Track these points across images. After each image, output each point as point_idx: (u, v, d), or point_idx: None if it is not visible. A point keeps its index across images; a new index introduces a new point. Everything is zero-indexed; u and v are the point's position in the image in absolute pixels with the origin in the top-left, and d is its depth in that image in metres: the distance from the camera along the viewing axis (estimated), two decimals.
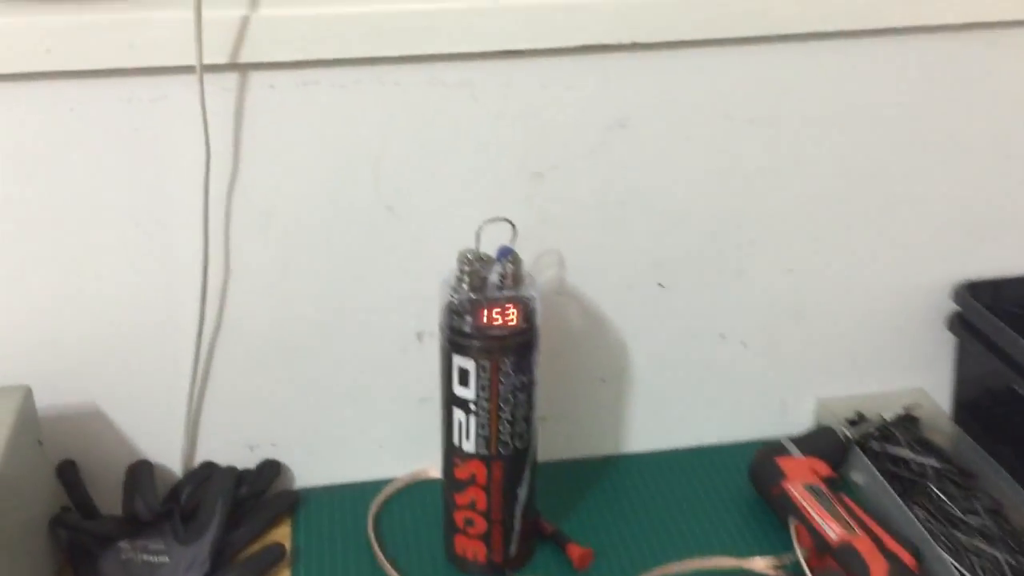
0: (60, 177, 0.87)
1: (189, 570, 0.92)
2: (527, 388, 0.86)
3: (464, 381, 0.85)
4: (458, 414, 0.87)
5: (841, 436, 1.02)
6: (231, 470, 1.00)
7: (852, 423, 1.05)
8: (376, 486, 1.03)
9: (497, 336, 0.83)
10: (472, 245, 0.85)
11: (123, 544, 0.94)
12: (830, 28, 0.92)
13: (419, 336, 0.99)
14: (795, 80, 0.95)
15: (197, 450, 1.01)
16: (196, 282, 0.92)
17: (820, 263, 1.04)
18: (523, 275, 0.86)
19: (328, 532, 0.99)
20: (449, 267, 0.86)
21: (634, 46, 0.90)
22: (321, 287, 0.96)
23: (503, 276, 0.85)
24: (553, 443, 1.06)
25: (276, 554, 0.94)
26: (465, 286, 0.84)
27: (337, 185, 0.92)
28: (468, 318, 0.83)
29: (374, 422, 1.03)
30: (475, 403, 0.85)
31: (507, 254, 0.86)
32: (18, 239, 0.88)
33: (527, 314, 0.84)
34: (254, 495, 1.00)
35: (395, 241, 0.95)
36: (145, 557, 0.93)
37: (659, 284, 1.02)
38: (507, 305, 0.83)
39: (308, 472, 1.05)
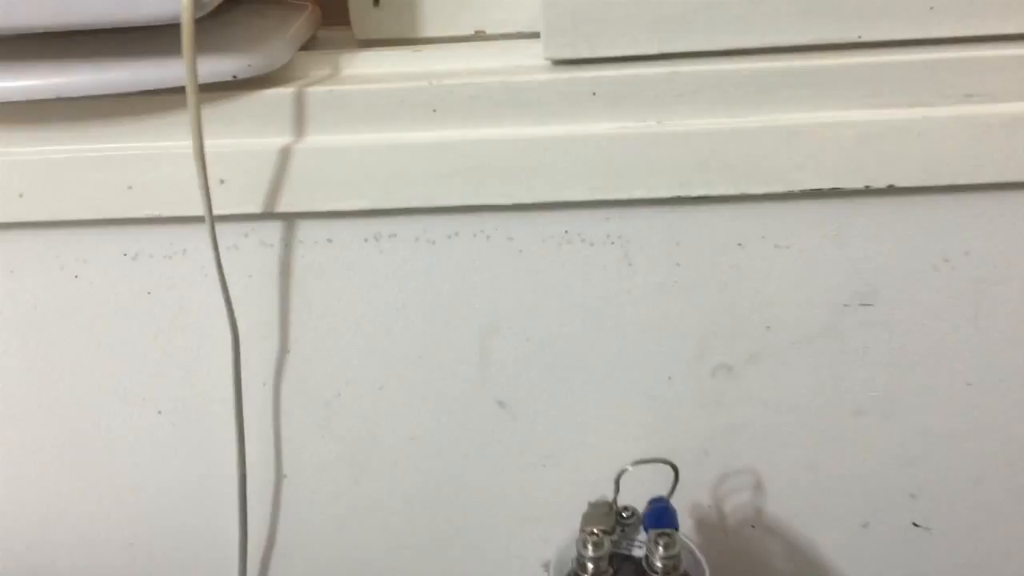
0: (60, 351, 0.64)
1: None
2: None
3: None
4: None
5: None
6: None
7: None
8: None
9: None
10: (609, 488, 0.55)
11: None
12: None
13: (546, 567, 0.70)
14: None
15: None
16: (233, 487, 0.67)
17: None
18: (685, 557, 0.55)
19: None
20: (572, 514, 0.56)
21: (889, 190, 0.55)
22: (404, 498, 0.68)
23: (653, 565, 0.54)
24: None
25: None
26: None
27: (427, 370, 0.63)
28: None
29: None
30: None
31: (661, 519, 0.55)
32: (13, 421, 0.67)
33: None
34: None
35: (508, 446, 0.66)
36: None
37: (913, 523, 0.67)
38: None
39: None
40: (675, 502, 0.65)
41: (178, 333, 0.63)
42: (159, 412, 0.66)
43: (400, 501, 0.68)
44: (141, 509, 0.69)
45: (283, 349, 0.63)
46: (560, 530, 0.58)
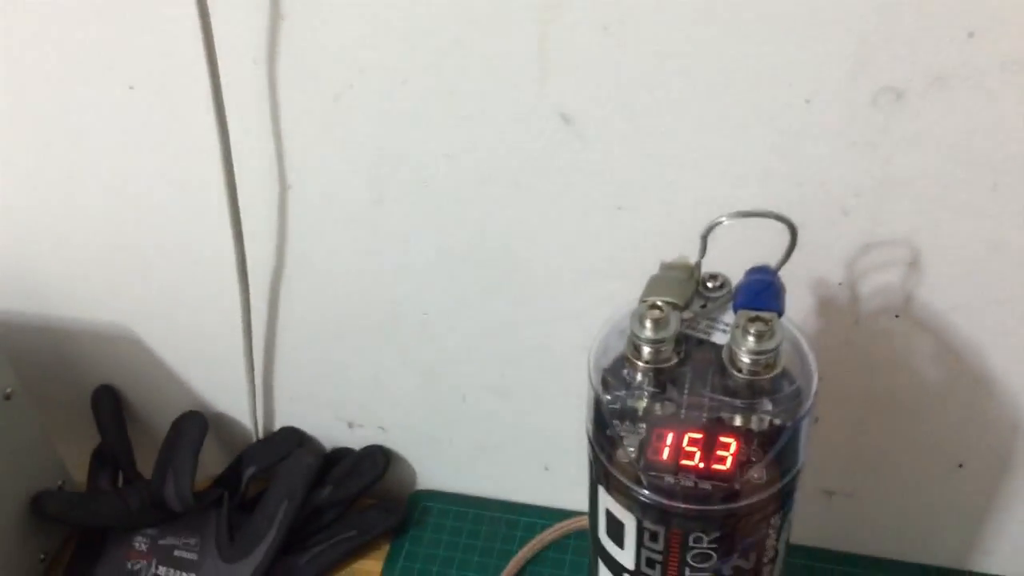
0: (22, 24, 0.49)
1: None
2: (755, 571, 0.41)
3: (616, 537, 0.41)
4: (604, 572, 0.44)
5: None
6: (310, 457, 0.65)
7: None
8: (538, 515, 0.66)
9: (686, 492, 0.37)
10: (692, 246, 0.39)
11: (140, 538, 0.65)
12: None
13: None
14: None
15: (276, 408, 0.67)
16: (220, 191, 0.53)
17: None
18: (787, 354, 0.38)
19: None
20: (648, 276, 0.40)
21: None
22: (437, 232, 0.53)
23: (736, 357, 0.37)
24: (856, 528, 0.61)
25: None
26: (642, 365, 0.38)
27: (465, 61, 0.46)
28: (630, 436, 0.38)
29: (536, 432, 0.62)
30: (634, 574, 0.42)
31: (759, 296, 0.38)
32: None
33: (776, 456, 0.37)
34: (343, 500, 0.66)
35: (572, 178, 0.49)
36: (161, 571, 0.63)
37: None
38: (724, 434, 0.37)
39: (428, 474, 0.68)
40: (792, 275, 0.48)
41: None
42: (131, 88, 0.51)
43: (431, 237, 0.53)
44: (129, 209, 0.57)
45: (275, 15, 0.46)
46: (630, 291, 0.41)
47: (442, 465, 0.67)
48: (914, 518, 0.60)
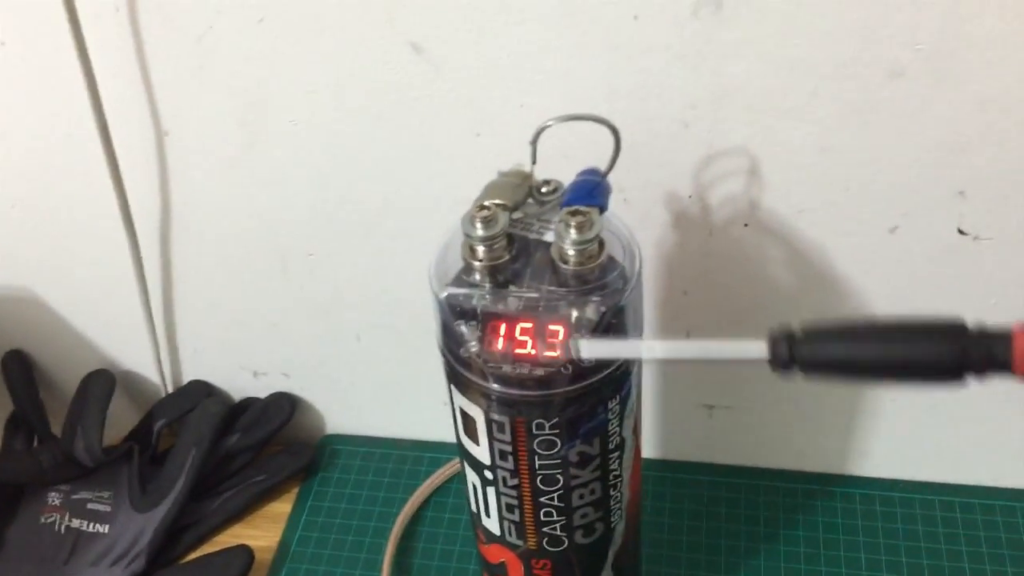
0: None
1: (128, 553, 0.64)
2: (601, 458, 0.44)
3: (472, 434, 0.44)
4: (470, 474, 0.47)
5: None
6: (217, 405, 0.67)
7: None
8: (443, 450, 0.68)
9: (522, 379, 0.40)
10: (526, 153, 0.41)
11: (53, 494, 0.66)
12: None
13: None
14: None
15: (183, 362, 0.69)
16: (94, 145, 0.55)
17: None
18: (612, 245, 0.41)
19: (342, 520, 0.65)
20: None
21: None
22: (311, 170, 0.55)
23: (563, 252, 0.40)
24: (737, 440, 0.64)
25: (239, 564, 0.62)
26: (478, 265, 0.41)
27: None
28: (469, 332, 0.40)
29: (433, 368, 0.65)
30: (491, 470, 0.44)
31: (588, 194, 0.41)
32: None
33: (603, 333, 0.40)
34: (252, 446, 0.68)
35: (431, 107, 0.51)
36: (75, 523, 0.65)
37: (959, 230, 0.51)
38: (553, 322, 0.39)
39: (335, 418, 0.70)
40: (646, 193, 0.51)
41: None
42: (2, 44, 0.53)
43: (306, 176, 0.55)
44: (13, 169, 0.58)
45: None
46: None
47: (348, 408, 0.70)
48: (791, 426, 0.63)
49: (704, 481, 0.64)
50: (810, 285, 0.55)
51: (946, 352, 0.25)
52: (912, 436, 0.61)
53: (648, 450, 0.65)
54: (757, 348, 0.29)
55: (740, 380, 0.61)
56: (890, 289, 0.54)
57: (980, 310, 0.53)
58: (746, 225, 0.53)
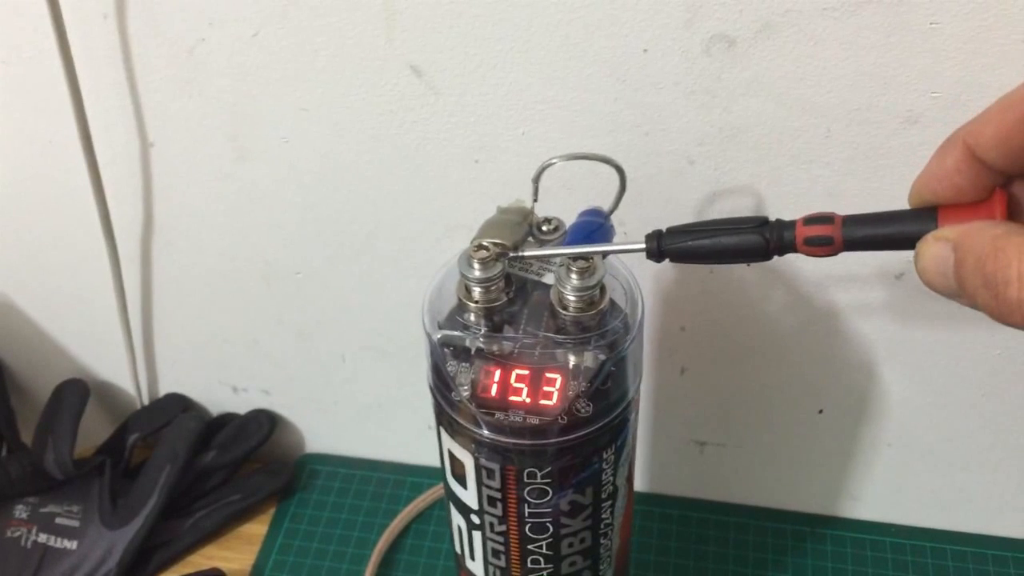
0: None
1: (96, 571, 0.62)
2: (593, 508, 0.42)
3: (460, 478, 0.42)
4: (456, 516, 0.45)
5: None
6: (193, 421, 0.65)
7: None
8: (425, 474, 0.67)
9: (515, 427, 0.38)
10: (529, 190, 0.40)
11: (20, 506, 0.64)
12: None
13: None
14: None
15: (160, 374, 0.67)
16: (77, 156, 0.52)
17: None
18: (614, 288, 0.39)
19: (319, 545, 0.63)
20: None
21: None
22: (300, 189, 0.53)
23: (563, 297, 0.38)
24: (728, 478, 0.62)
25: None
26: (473, 306, 0.39)
27: (312, 15, 0.46)
28: (461, 376, 0.39)
29: (417, 392, 0.63)
30: (479, 515, 0.43)
31: (588, 236, 0.39)
32: None
33: (599, 390, 0.38)
34: (228, 464, 0.66)
35: (429, 131, 0.49)
36: (42, 538, 0.63)
37: None
38: (550, 370, 0.38)
39: (316, 438, 0.69)
40: (648, 228, 0.49)
41: None
42: None
43: (296, 194, 0.53)
44: None
45: None
46: None
47: (329, 428, 0.68)
48: (783, 465, 0.61)
49: (693, 517, 0.63)
50: (810, 328, 0.53)
51: (757, 239, 0.35)
52: (905, 481, 0.60)
53: (638, 484, 0.64)
54: (638, 245, 0.36)
55: (733, 417, 0.59)
56: (892, 333, 0.53)
57: (986, 359, 0.52)
58: (748, 264, 0.51)
